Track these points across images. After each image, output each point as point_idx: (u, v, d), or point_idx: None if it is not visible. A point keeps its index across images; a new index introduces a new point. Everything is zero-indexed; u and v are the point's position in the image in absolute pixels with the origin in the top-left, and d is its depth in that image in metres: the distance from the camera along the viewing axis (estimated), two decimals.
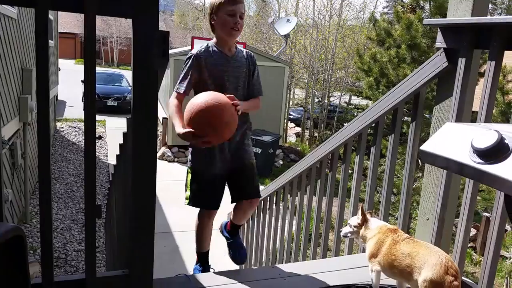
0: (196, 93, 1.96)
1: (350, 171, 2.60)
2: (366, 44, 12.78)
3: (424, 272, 1.36)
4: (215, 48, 2.04)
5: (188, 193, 2.07)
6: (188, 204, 2.07)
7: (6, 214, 4.81)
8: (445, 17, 1.79)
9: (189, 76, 2.01)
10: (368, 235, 1.64)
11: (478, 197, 4.45)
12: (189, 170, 2.11)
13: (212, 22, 2.03)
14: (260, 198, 3.78)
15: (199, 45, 2.11)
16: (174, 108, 1.99)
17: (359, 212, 1.71)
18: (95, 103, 1.29)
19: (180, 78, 2.05)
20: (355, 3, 15.26)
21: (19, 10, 5.73)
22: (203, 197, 2.07)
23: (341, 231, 1.84)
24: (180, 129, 1.85)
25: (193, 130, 1.75)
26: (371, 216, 1.72)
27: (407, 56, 5.91)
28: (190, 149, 2.14)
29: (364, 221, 1.68)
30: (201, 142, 1.81)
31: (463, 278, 1.57)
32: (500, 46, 1.48)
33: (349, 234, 1.76)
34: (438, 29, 1.71)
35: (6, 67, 4.93)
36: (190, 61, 2.02)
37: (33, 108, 5.83)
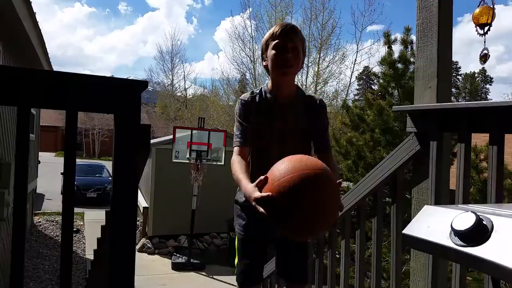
0: None
1: (337, 256, 2.54)
2: (341, 129, 13.30)
3: None
4: (268, 93, 1.75)
5: (236, 264, 1.80)
6: (237, 280, 1.80)
7: None
8: (414, 102, 1.90)
9: (243, 124, 1.72)
10: None
11: (468, 278, 4.34)
12: (237, 237, 1.82)
13: (264, 64, 1.76)
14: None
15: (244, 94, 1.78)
16: (237, 167, 1.61)
17: None
18: (74, 196, 1.28)
19: (235, 131, 1.77)
20: (328, 92, 16.15)
21: (1, 106, 5.83)
22: (250, 272, 1.77)
23: None
24: (250, 190, 1.39)
25: (272, 197, 1.27)
26: None
27: (381, 139, 6.14)
28: (236, 208, 1.82)
29: None
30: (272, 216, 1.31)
31: None
32: (467, 129, 1.56)
33: None
34: (407, 115, 1.81)
35: None
36: (237, 109, 1.77)
37: (10, 203, 5.66)
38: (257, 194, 1.33)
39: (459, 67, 50.93)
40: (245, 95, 1.80)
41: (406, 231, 0.86)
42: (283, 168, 1.31)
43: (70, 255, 1.25)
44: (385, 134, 6.08)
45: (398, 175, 1.94)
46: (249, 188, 1.43)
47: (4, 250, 6.33)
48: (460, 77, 51.43)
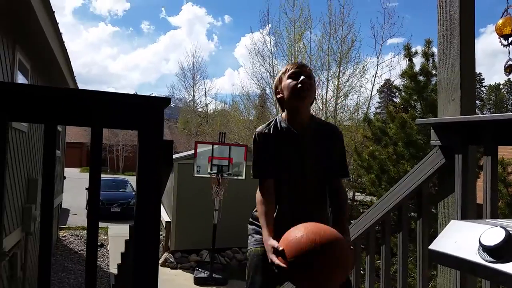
0: None
1: (362, 272, 2.49)
2: (363, 142, 13.16)
3: None
4: (283, 124, 1.76)
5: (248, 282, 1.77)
6: None
7: None
8: (437, 115, 1.87)
9: (263, 154, 1.72)
10: None
11: None
12: (253, 252, 1.80)
13: (278, 96, 1.79)
14: None
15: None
16: (262, 208, 1.65)
17: None
18: (99, 211, 1.30)
19: (254, 163, 1.75)
20: (349, 105, 16.02)
21: (29, 124, 6.03)
22: None
23: None
24: (269, 241, 1.51)
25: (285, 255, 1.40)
26: None
27: (405, 152, 6.03)
28: (251, 227, 1.84)
29: None
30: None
31: None
32: (493, 141, 1.52)
33: None
34: (431, 128, 1.78)
35: (13, 178, 5.02)
36: (255, 142, 1.76)
37: (37, 217, 5.80)
38: (274, 243, 1.47)
39: (483, 79, 49.92)
40: (260, 128, 1.80)
41: (433, 246, 0.84)
42: (299, 234, 1.39)
43: (94, 269, 1.27)
44: (409, 148, 5.98)
45: (423, 189, 1.90)
46: (269, 240, 1.53)
47: (32, 264, 6.47)
48: (484, 89, 50.34)
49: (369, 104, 16.52)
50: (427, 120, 1.89)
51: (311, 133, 1.76)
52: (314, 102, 1.91)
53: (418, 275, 1.88)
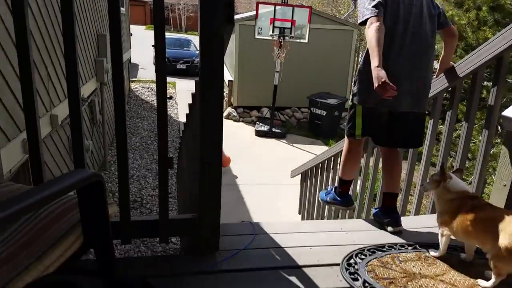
0: None
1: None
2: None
3: (501, 239, 1.30)
4: None
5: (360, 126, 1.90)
6: (359, 136, 1.92)
7: (88, 162, 5.25)
8: None
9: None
10: (446, 197, 1.53)
11: None
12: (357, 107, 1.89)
13: None
14: (325, 158, 3.74)
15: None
16: (376, 40, 1.63)
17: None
18: (166, 66, 1.35)
19: (366, 4, 1.70)
20: None
21: None
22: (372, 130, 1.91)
23: (422, 185, 1.73)
24: (379, 69, 1.61)
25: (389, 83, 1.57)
26: (457, 176, 1.57)
27: (488, 18, 5.38)
28: (359, 84, 1.88)
29: (443, 180, 1.54)
30: (387, 94, 1.60)
31: None
32: None
33: (428, 187, 1.63)
34: None
35: (83, 33, 5.24)
36: None
37: (109, 70, 6.18)
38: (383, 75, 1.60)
39: None
40: None
41: (507, 113, 0.80)
42: None
43: (165, 115, 1.38)
44: (494, 12, 5.31)
45: (504, 56, 1.75)
46: (380, 71, 1.61)
47: (109, 111, 7.19)
48: None
49: None
50: None
51: None
52: None
53: (482, 140, 1.85)
